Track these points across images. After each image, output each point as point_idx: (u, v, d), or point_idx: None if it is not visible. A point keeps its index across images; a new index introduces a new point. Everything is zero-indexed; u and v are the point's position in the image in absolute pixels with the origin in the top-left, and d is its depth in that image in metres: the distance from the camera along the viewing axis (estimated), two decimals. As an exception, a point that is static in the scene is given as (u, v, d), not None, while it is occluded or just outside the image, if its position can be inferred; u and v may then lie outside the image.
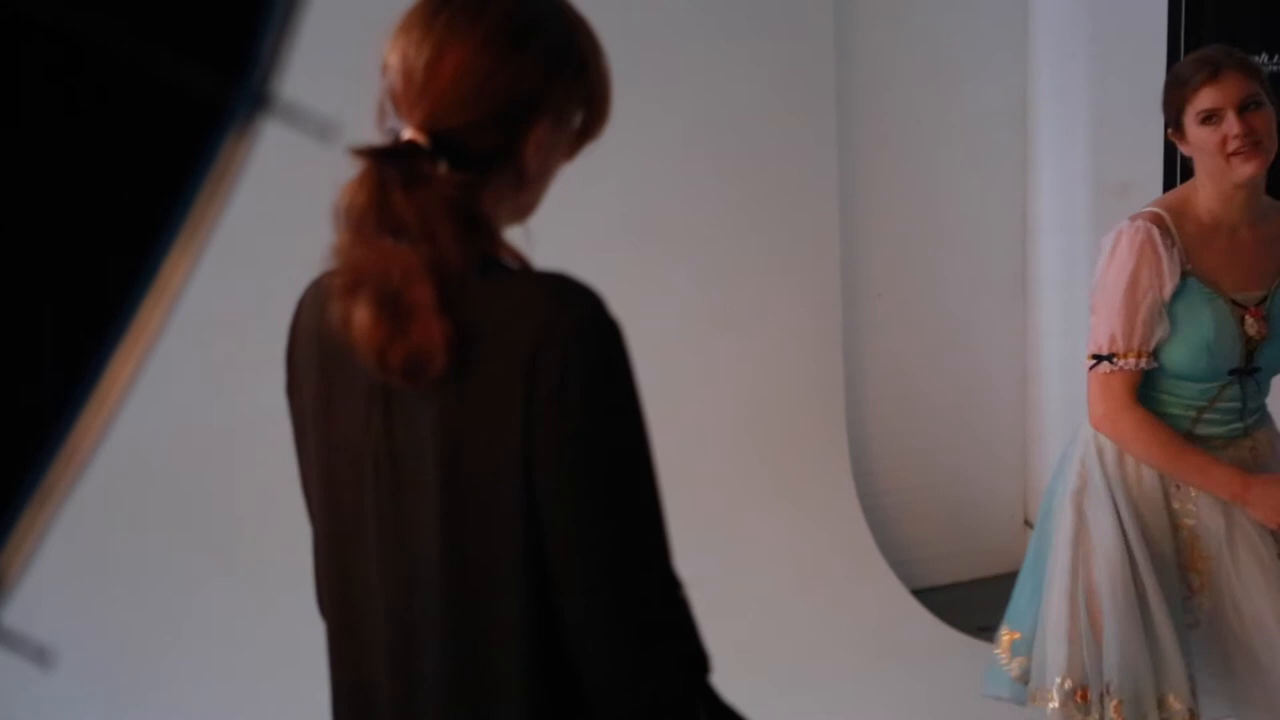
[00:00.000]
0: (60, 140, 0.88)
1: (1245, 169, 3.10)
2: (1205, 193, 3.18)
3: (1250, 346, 3.19)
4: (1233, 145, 3.08)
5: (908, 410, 5.99)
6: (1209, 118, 3.09)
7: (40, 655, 0.88)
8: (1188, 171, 3.10)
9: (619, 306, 1.59)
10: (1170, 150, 5.01)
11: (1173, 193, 3.30)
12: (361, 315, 1.60)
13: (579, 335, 1.55)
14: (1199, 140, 3.12)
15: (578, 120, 1.72)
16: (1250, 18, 4.92)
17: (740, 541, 5.30)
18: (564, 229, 4.91)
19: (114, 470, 3.82)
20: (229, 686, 4.28)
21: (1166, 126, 3.20)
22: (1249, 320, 3.19)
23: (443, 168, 1.62)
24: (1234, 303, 3.18)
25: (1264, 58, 4.84)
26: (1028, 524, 6.26)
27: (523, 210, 1.75)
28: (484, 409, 1.58)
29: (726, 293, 5.36)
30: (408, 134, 1.64)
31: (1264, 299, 3.22)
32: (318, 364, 1.78)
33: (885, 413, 5.93)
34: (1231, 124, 3.06)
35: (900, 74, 5.94)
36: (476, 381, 1.58)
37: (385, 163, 1.60)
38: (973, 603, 5.79)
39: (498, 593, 1.60)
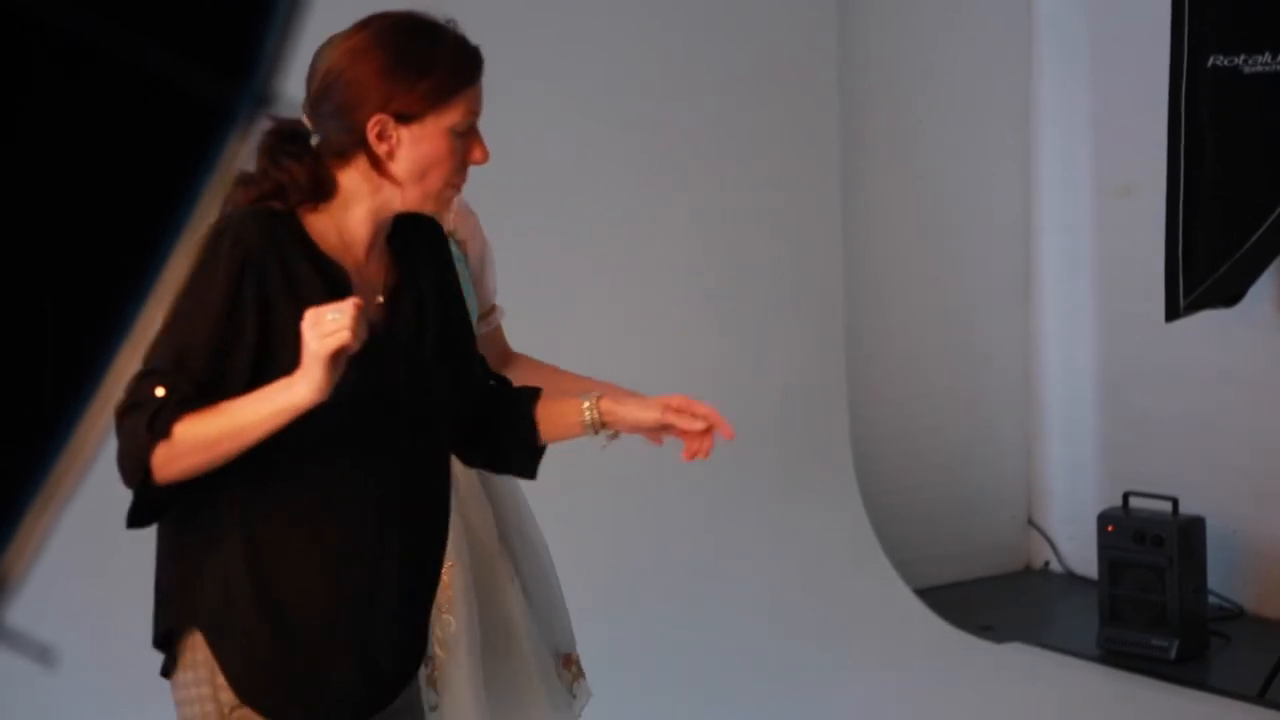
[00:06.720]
0: (63, 141, 0.88)
1: None
2: None
3: None
4: None
5: (910, 410, 5.99)
6: None
7: (43, 655, 0.88)
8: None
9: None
10: (1174, 150, 5.00)
11: None
12: None
13: None
14: None
15: (447, 119, 2.22)
16: (1251, 17, 4.90)
17: (743, 540, 5.30)
18: (565, 229, 4.91)
19: (116, 470, 3.81)
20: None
21: None
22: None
23: (309, 147, 2.21)
24: None
25: (1266, 57, 4.83)
26: (1030, 523, 6.26)
27: (419, 197, 2.26)
28: None
29: (729, 293, 5.36)
30: (301, 116, 2.24)
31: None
32: None
33: (887, 412, 5.92)
34: None
35: (902, 75, 5.94)
36: None
37: (267, 135, 2.19)
38: (975, 602, 5.78)
39: None
